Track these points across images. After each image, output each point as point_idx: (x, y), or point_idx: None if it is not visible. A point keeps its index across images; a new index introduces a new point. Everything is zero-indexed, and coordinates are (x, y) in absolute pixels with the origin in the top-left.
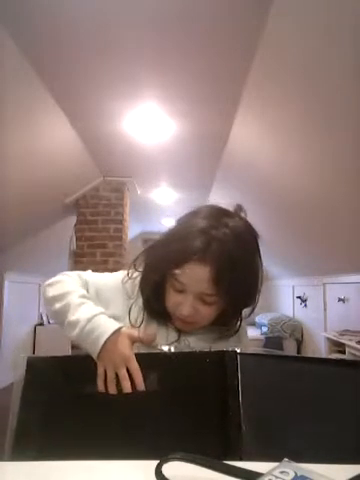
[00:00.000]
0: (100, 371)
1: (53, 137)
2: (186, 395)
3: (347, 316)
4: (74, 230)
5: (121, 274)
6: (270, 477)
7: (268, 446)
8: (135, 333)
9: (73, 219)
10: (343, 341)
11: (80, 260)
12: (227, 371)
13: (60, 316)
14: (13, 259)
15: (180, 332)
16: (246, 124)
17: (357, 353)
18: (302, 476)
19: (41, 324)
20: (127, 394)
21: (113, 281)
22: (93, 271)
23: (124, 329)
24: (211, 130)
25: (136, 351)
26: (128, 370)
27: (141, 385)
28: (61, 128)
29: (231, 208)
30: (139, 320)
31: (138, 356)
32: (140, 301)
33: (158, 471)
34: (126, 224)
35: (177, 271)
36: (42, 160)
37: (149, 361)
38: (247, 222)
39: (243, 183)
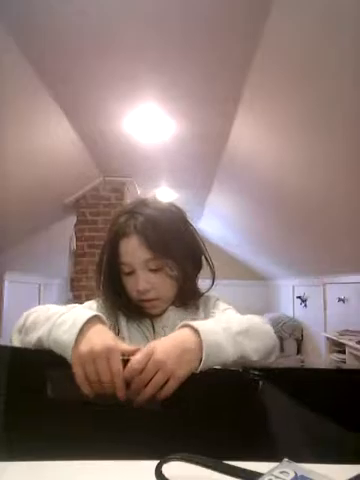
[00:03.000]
0: (78, 370)
1: (53, 137)
2: (193, 410)
3: (347, 316)
4: (74, 230)
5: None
6: (270, 477)
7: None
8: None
9: (73, 219)
10: (343, 341)
11: (80, 260)
12: (243, 395)
13: (34, 325)
14: (13, 259)
15: (154, 324)
16: (246, 124)
17: (357, 353)
18: (302, 476)
19: None
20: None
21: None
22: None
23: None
24: (211, 130)
25: None
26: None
27: (122, 390)
28: (61, 128)
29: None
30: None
31: None
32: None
33: (158, 471)
34: None
35: (118, 256)
36: (42, 160)
37: None
38: (171, 202)
39: (243, 183)
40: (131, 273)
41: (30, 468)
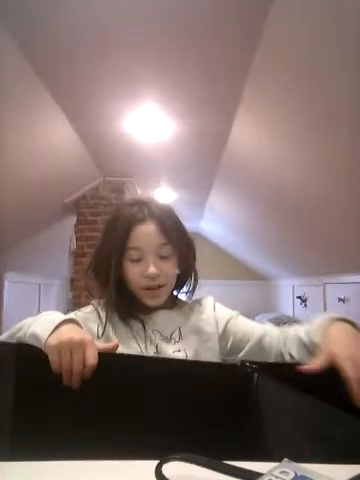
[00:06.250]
0: (54, 357)
1: (53, 137)
2: (193, 403)
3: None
4: (74, 230)
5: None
6: (270, 477)
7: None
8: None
9: (73, 219)
10: None
11: (80, 260)
12: (240, 387)
13: (17, 329)
14: (13, 259)
15: (144, 327)
16: (246, 124)
17: None
18: (302, 476)
19: None
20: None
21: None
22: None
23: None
24: (211, 130)
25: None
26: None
27: (89, 373)
28: (61, 128)
29: None
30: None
31: (140, 358)
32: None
33: (158, 471)
34: None
35: (129, 241)
36: (42, 160)
37: (154, 366)
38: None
39: (243, 183)
40: (139, 260)
41: (30, 468)
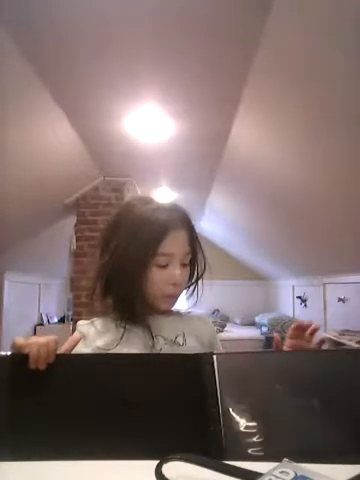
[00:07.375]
0: (20, 338)
1: (53, 137)
2: (164, 397)
3: (347, 316)
4: (74, 230)
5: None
6: (270, 477)
7: (250, 446)
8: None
9: (73, 219)
10: (343, 341)
11: (80, 260)
12: (204, 374)
13: None
14: (13, 259)
15: (152, 333)
16: (246, 124)
17: None
18: (302, 476)
19: (41, 324)
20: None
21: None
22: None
23: None
24: (211, 130)
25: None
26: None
27: (51, 358)
28: (61, 128)
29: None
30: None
31: (110, 357)
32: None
33: (158, 471)
34: None
35: (161, 246)
36: (42, 160)
37: (125, 362)
38: None
39: (243, 183)
40: (165, 266)
41: (30, 468)
